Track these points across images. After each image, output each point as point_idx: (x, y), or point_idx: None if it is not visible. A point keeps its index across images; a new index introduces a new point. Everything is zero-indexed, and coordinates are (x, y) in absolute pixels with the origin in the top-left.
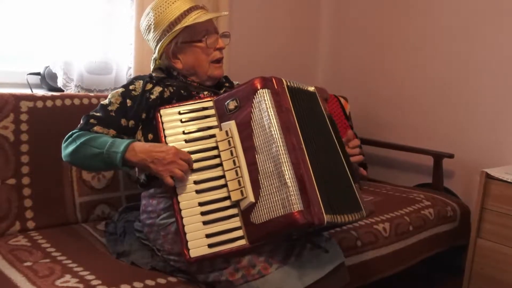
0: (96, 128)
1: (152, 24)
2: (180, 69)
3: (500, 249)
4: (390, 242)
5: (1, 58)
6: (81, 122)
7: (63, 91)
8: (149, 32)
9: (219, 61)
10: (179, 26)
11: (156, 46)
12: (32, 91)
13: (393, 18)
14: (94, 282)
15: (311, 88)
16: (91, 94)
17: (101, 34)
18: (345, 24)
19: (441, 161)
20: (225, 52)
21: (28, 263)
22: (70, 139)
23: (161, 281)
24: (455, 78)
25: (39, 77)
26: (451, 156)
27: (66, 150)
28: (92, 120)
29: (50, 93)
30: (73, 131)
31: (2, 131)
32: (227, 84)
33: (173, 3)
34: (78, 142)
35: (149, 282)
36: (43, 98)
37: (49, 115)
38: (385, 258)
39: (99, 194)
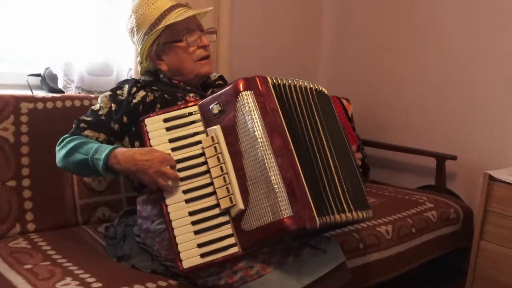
0: (86, 132)
1: (135, 27)
2: (165, 70)
3: (503, 251)
4: (392, 244)
5: (1, 59)
6: (73, 126)
7: (63, 92)
8: (133, 35)
9: (205, 58)
10: (159, 27)
11: (140, 48)
12: (32, 93)
13: (396, 19)
14: (95, 285)
15: (314, 86)
16: (92, 95)
17: (102, 35)
18: (347, 25)
19: (444, 163)
20: (227, 52)
21: (29, 266)
22: (62, 144)
23: (162, 283)
24: (457, 79)
25: (40, 78)
26: (454, 158)
27: (58, 155)
28: (82, 124)
29: (50, 95)
30: (65, 136)
31: (2, 132)
32: (221, 82)
33: (153, 3)
34: (68, 148)
35: (150, 285)
36: (44, 100)
37: (50, 116)
38: (388, 261)
39: (99, 196)
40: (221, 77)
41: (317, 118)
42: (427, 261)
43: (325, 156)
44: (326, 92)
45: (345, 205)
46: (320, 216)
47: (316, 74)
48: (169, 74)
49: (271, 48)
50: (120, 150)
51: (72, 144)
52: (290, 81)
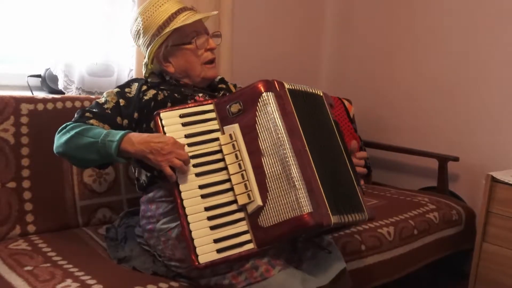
0: (92, 121)
1: (141, 29)
2: (172, 72)
3: (506, 253)
4: (394, 246)
5: (2, 60)
6: (76, 115)
7: (64, 93)
8: (138, 37)
9: (211, 61)
10: (167, 29)
11: (146, 51)
12: (32, 94)
13: (397, 20)
14: (96, 287)
15: (318, 91)
16: (92, 96)
17: (102, 36)
18: (349, 26)
19: (446, 164)
20: (228, 54)
21: (29, 268)
22: (64, 130)
23: (163, 285)
24: (459, 80)
25: (40, 79)
26: (456, 159)
27: (59, 140)
28: (88, 114)
29: (50, 96)
30: (67, 123)
31: (2, 133)
32: (223, 86)
33: (160, 6)
34: (73, 132)
35: (151, 287)
36: (44, 101)
37: (50, 117)
38: (390, 263)
39: (100, 197)
40: (222, 80)
41: (319, 123)
42: (429, 263)
43: (332, 159)
44: (317, 93)
45: (351, 207)
46: (334, 215)
47: (318, 75)
48: (176, 76)
49: (273, 50)
50: (134, 134)
51: (78, 129)
52: (299, 87)
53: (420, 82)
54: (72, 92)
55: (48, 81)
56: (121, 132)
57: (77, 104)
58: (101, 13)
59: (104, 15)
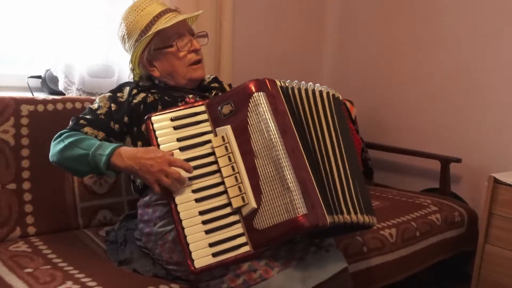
0: (86, 129)
1: (125, 34)
2: (158, 76)
3: (508, 254)
4: (396, 248)
5: (2, 61)
6: (71, 123)
7: (64, 94)
8: (124, 43)
9: (197, 63)
10: (149, 33)
11: (131, 55)
12: (33, 95)
13: (399, 21)
14: None
15: (325, 89)
16: (93, 97)
17: (103, 37)
18: (351, 27)
19: (448, 165)
20: (229, 55)
21: (29, 270)
22: (59, 138)
23: (164, 287)
24: (462, 81)
25: (40, 80)
26: (458, 160)
27: (54, 149)
28: (82, 121)
29: (51, 97)
30: (63, 131)
31: (2, 135)
32: (216, 85)
33: (142, 10)
34: (66, 142)
35: None
36: (44, 102)
37: (50, 119)
38: (391, 264)
39: (100, 199)
40: (215, 79)
41: (323, 121)
42: (431, 265)
43: (334, 159)
44: (337, 95)
45: (351, 207)
46: (330, 215)
47: (320, 76)
48: (163, 80)
49: (274, 51)
50: (124, 148)
51: (71, 139)
52: (295, 84)
53: (422, 84)
54: (72, 93)
55: (48, 82)
56: (112, 146)
57: (78, 105)
58: (101, 13)
59: (104, 15)
